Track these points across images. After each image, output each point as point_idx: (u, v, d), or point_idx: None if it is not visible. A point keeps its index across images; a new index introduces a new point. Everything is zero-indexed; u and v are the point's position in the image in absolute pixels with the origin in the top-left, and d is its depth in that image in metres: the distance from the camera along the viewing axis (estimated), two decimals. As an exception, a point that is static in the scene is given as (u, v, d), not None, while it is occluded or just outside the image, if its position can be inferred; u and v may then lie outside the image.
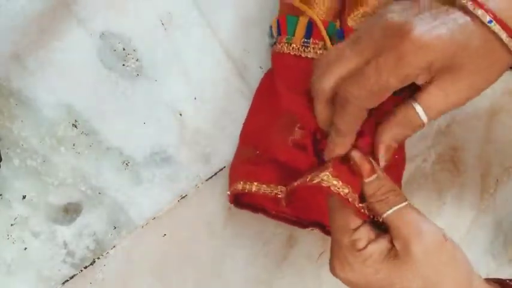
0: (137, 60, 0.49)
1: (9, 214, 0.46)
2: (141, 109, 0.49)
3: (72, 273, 0.48)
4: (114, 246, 0.49)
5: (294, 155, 0.44)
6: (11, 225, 0.46)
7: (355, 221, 0.38)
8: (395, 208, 0.37)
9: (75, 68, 0.47)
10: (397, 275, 0.36)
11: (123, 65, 0.49)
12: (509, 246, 0.63)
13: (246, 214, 0.52)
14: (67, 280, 0.48)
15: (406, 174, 0.59)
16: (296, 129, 0.45)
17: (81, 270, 0.48)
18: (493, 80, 0.36)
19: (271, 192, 0.45)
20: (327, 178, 0.38)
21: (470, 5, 0.34)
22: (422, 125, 0.37)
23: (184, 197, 0.51)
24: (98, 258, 0.49)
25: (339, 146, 0.39)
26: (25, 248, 0.47)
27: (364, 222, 0.38)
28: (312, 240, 0.55)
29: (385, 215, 0.37)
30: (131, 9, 0.48)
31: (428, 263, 0.36)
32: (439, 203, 0.61)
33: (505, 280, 0.40)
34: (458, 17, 0.34)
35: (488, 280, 0.40)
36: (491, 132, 0.62)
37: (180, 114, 0.50)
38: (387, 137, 0.38)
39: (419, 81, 0.36)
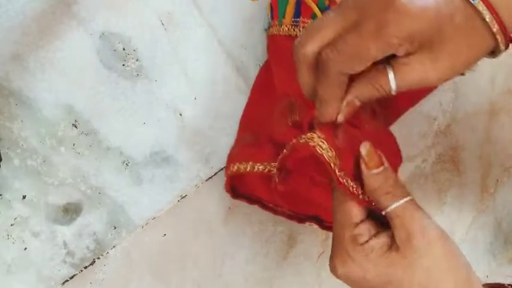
0: (137, 60, 0.49)
1: (9, 214, 0.46)
2: (141, 109, 0.49)
3: (72, 273, 0.48)
4: (114, 246, 0.49)
5: (292, 134, 0.43)
6: (11, 225, 0.46)
7: (357, 216, 0.38)
8: (400, 202, 0.37)
9: (75, 68, 0.47)
10: (398, 268, 0.36)
11: (123, 65, 0.48)
12: (509, 246, 0.63)
13: (246, 214, 0.52)
14: (67, 280, 0.48)
15: (406, 174, 0.59)
16: (296, 110, 0.45)
17: (81, 270, 0.48)
18: (473, 61, 0.36)
19: (264, 169, 0.44)
20: (311, 138, 0.37)
21: None
22: (389, 92, 0.36)
23: (184, 197, 0.51)
24: (98, 258, 0.49)
25: (324, 115, 0.38)
26: (25, 248, 0.47)
27: (366, 217, 0.38)
28: (312, 240, 0.55)
29: (389, 209, 0.37)
30: (131, 9, 0.48)
31: (429, 257, 0.36)
32: (439, 203, 0.61)
33: (504, 284, 0.40)
34: None
35: (488, 285, 0.40)
36: (491, 132, 0.62)
37: (180, 114, 0.50)
38: (352, 93, 0.37)
39: (400, 53, 0.35)
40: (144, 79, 0.49)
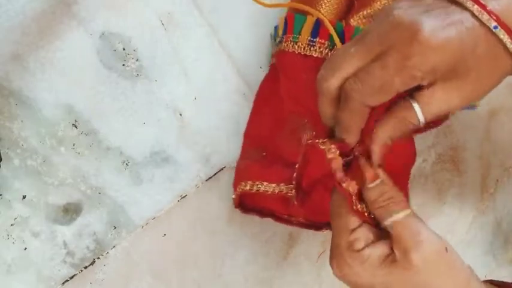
0: (137, 60, 0.49)
1: (9, 214, 0.46)
2: (141, 109, 0.49)
3: (72, 273, 0.48)
4: (114, 246, 0.49)
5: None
6: (11, 225, 0.46)
7: (354, 221, 0.38)
8: (396, 216, 0.37)
9: (75, 68, 0.47)
10: (395, 281, 0.36)
11: (123, 65, 0.48)
12: (509, 246, 0.63)
13: (246, 214, 0.52)
14: (67, 280, 0.48)
15: (406, 174, 0.59)
16: (307, 130, 0.45)
17: (81, 270, 0.48)
18: (494, 85, 0.36)
19: (281, 191, 0.45)
20: (323, 142, 0.38)
21: (476, 9, 0.34)
22: (418, 125, 0.37)
23: (184, 197, 0.51)
24: (98, 258, 0.49)
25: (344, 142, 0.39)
26: (25, 248, 0.47)
27: (363, 222, 0.38)
28: (312, 240, 0.55)
29: (386, 222, 0.37)
30: (131, 9, 0.48)
31: (426, 272, 0.36)
32: (439, 203, 0.61)
33: (506, 282, 0.40)
34: (465, 19, 0.34)
35: (491, 281, 0.40)
36: (491, 132, 0.62)
37: (180, 114, 0.50)
38: (383, 134, 0.38)
39: (424, 83, 0.35)
40: (144, 79, 0.49)
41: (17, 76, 0.46)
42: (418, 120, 0.36)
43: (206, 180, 0.52)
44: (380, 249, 0.37)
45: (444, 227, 0.61)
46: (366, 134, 0.39)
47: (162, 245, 0.51)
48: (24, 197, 0.46)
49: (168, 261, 0.51)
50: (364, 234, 0.38)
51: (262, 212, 0.50)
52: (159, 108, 0.50)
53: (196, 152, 0.51)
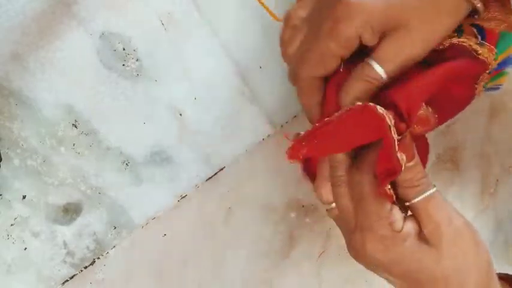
0: (137, 60, 0.49)
1: (9, 214, 0.46)
2: (141, 109, 0.49)
3: (72, 273, 0.48)
4: (114, 246, 0.49)
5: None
6: (11, 225, 0.46)
7: (387, 202, 0.38)
8: (426, 194, 0.37)
9: (75, 68, 0.47)
10: (427, 258, 0.36)
11: (123, 65, 0.48)
12: (509, 246, 0.63)
13: (246, 214, 0.52)
14: (67, 280, 0.48)
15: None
16: None
17: (81, 270, 0.48)
18: (450, 26, 0.36)
19: None
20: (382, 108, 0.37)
21: None
22: (380, 79, 0.37)
23: (184, 197, 0.51)
24: (98, 258, 0.49)
25: (311, 120, 0.40)
26: (25, 248, 0.47)
27: (393, 203, 0.38)
28: (312, 240, 0.55)
29: (415, 200, 0.37)
30: (131, 9, 0.48)
31: (457, 246, 0.36)
32: (439, 203, 0.61)
33: (510, 275, 0.40)
34: None
35: (497, 274, 0.40)
36: (491, 132, 0.61)
37: (180, 114, 0.50)
38: (348, 96, 0.38)
39: (368, 42, 0.36)
40: (144, 79, 0.49)
41: (17, 76, 0.46)
42: (378, 73, 0.37)
43: (206, 180, 0.52)
44: (412, 226, 0.37)
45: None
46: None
47: (162, 245, 0.51)
48: (24, 197, 0.46)
49: (168, 261, 0.51)
50: (399, 213, 0.38)
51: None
52: (159, 108, 0.50)
53: (196, 152, 0.51)
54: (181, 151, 0.51)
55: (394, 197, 0.38)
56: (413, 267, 0.37)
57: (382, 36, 0.36)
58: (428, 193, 0.37)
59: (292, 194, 0.54)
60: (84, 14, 0.47)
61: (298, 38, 0.39)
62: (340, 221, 0.40)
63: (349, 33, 0.35)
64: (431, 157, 0.60)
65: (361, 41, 0.36)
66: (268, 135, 0.52)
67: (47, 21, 0.46)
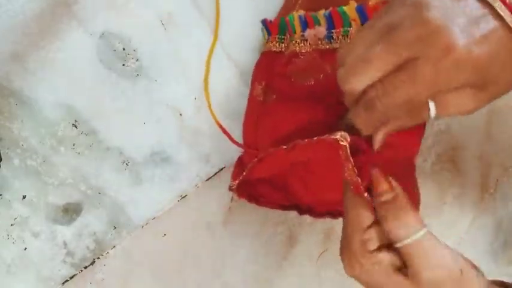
0: (137, 60, 0.49)
1: (9, 214, 0.46)
2: (141, 109, 0.49)
3: (72, 273, 0.48)
4: (114, 246, 0.49)
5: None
6: (11, 225, 0.46)
7: (369, 217, 0.36)
8: (412, 238, 0.35)
9: (75, 68, 0.47)
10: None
11: (123, 65, 0.48)
12: (509, 246, 0.63)
13: (246, 214, 0.52)
14: (67, 280, 0.48)
15: (406, 174, 0.59)
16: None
17: (81, 270, 0.48)
18: (510, 87, 0.35)
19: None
20: (344, 136, 0.37)
21: (497, 5, 0.32)
22: (427, 120, 0.35)
23: (184, 197, 0.51)
24: (98, 258, 0.49)
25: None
26: (25, 248, 0.47)
27: (376, 221, 0.36)
28: (312, 240, 0.55)
29: (399, 244, 0.35)
30: (131, 9, 0.48)
31: None
32: (439, 203, 0.61)
33: (508, 283, 0.40)
34: (496, 29, 0.32)
35: (493, 281, 0.39)
36: (491, 132, 0.61)
37: (180, 114, 0.50)
38: (392, 127, 0.36)
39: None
40: (144, 79, 0.49)
41: (17, 76, 0.46)
42: (429, 116, 0.34)
43: (206, 180, 0.52)
44: (393, 258, 0.36)
45: (444, 227, 0.61)
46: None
47: (162, 245, 0.51)
48: (24, 197, 0.46)
49: (168, 261, 0.51)
50: (378, 234, 0.36)
51: (254, 197, 0.50)
52: (159, 108, 0.50)
53: (196, 152, 0.51)
54: (181, 151, 0.51)
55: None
56: None
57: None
58: (413, 237, 0.35)
59: (292, 194, 0.54)
60: (84, 14, 0.47)
61: (380, 68, 0.33)
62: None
63: (446, 87, 0.32)
64: (431, 157, 0.60)
65: None
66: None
67: (47, 21, 0.46)
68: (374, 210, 0.36)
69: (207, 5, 0.50)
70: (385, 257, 0.36)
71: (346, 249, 0.37)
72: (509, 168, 0.63)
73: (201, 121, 0.51)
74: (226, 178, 0.51)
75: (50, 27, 0.46)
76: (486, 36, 0.32)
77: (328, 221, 0.52)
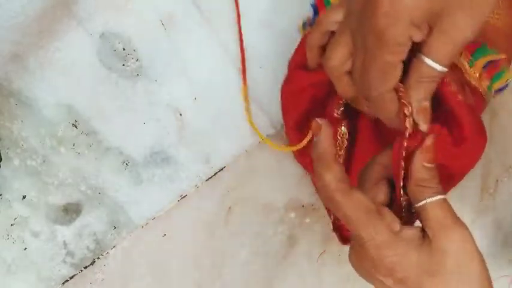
0: (137, 60, 0.49)
1: (9, 214, 0.46)
2: (141, 109, 0.49)
3: (72, 273, 0.48)
4: (114, 246, 0.49)
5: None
6: (11, 225, 0.46)
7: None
8: (437, 197, 0.37)
9: (75, 68, 0.47)
10: (427, 261, 0.36)
11: (123, 65, 0.49)
12: (509, 246, 0.63)
13: (246, 214, 0.52)
14: (67, 280, 0.48)
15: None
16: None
17: (81, 270, 0.48)
18: (492, 4, 0.35)
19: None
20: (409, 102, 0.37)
21: None
22: (441, 73, 0.36)
23: (184, 197, 0.51)
24: (98, 258, 0.49)
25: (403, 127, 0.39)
26: (25, 248, 0.47)
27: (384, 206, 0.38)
28: (312, 240, 0.55)
29: (426, 201, 0.37)
30: (131, 9, 0.48)
31: (462, 250, 0.36)
32: (439, 203, 0.61)
33: None
34: None
35: None
36: (491, 132, 0.61)
37: (180, 114, 0.50)
38: (414, 99, 0.37)
39: (417, 39, 0.35)
40: (144, 79, 0.49)
41: (17, 76, 0.46)
42: (436, 70, 0.36)
43: (206, 180, 0.52)
44: (414, 230, 0.37)
45: (444, 227, 0.61)
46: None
47: (162, 245, 0.51)
48: (24, 197, 0.46)
49: (168, 261, 0.51)
50: (394, 216, 0.37)
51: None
52: (159, 108, 0.50)
53: (196, 152, 0.51)
54: (181, 151, 0.51)
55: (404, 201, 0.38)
56: (414, 272, 0.36)
57: (429, 28, 0.35)
58: (438, 197, 0.37)
59: (292, 194, 0.54)
60: (84, 14, 0.47)
61: (340, 50, 0.38)
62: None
63: (399, 39, 0.34)
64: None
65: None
66: (268, 135, 0.52)
67: (47, 21, 0.46)
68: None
69: (207, 5, 0.50)
70: (409, 231, 0.37)
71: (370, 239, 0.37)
72: (509, 168, 0.63)
73: (201, 121, 0.51)
74: (226, 178, 0.52)
75: (50, 27, 0.46)
76: None
77: (328, 221, 0.52)
